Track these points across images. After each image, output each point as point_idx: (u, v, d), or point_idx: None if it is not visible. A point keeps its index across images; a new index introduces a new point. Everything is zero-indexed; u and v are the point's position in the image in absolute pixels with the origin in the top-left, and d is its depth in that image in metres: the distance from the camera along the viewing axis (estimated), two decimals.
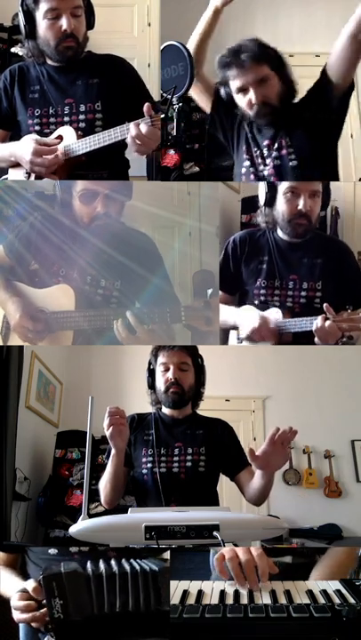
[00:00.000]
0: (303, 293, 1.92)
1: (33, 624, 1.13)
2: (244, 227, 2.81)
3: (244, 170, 1.96)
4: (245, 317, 1.95)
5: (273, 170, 1.90)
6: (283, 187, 1.92)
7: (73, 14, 1.80)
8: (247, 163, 1.95)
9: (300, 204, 1.90)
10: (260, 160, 1.92)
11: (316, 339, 1.80)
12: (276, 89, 1.88)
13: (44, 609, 1.10)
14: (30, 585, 1.16)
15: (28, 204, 1.89)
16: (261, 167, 1.92)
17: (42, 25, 1.82)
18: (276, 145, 1.90)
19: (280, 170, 1.90)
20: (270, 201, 1.95)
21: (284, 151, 1.89)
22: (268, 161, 1.91)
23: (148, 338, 1.68)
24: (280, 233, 2.00)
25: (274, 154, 1.90)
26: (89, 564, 1.16)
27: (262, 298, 1.96)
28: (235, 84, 1.88)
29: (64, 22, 1.79)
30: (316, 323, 1.78)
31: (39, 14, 1.80)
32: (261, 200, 1.99)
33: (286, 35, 2.96)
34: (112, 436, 1.57)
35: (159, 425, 1.81)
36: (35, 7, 1.81)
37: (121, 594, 1.11)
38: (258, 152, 1.93)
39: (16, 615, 1.16)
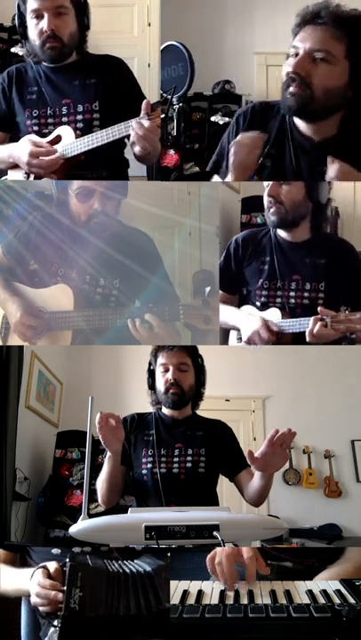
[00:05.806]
0: (306, 294, 1.87)
1: (44, 607, 1.10)
2: (244, 227, 2.81)
3: None
4: (246, 321, 1.90)
5: None
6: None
7: (56, 14, 1.78)
8: None
9: (45, 24, 1.78)
10: None
11: (308, 340, 1.75)
12: None
13: (60, 595, 1.08)
14: (52, 566, 1.15)
15: (27, 204, 1.89)
16: None
17: (29, 25, 1.82)
18: None
19: None
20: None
21: None
22: None
23: (165, 334, 1.67)
24: (281, 232, 1.94)
25: None
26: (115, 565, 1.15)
27: (263, 299, 1.91)
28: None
29: (44, 22, 1.78)
30: (309, 326, 1.73)
31: (27, 15, 1.81)
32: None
33: (286, 35, 2.95)
34: (106, 442, 1.59)
35: (159, 425, 1.82)
36: (24, 8, 1.81)
37: (127, 597, 1.11)
38: None
39: (35, 590, 1.13)
